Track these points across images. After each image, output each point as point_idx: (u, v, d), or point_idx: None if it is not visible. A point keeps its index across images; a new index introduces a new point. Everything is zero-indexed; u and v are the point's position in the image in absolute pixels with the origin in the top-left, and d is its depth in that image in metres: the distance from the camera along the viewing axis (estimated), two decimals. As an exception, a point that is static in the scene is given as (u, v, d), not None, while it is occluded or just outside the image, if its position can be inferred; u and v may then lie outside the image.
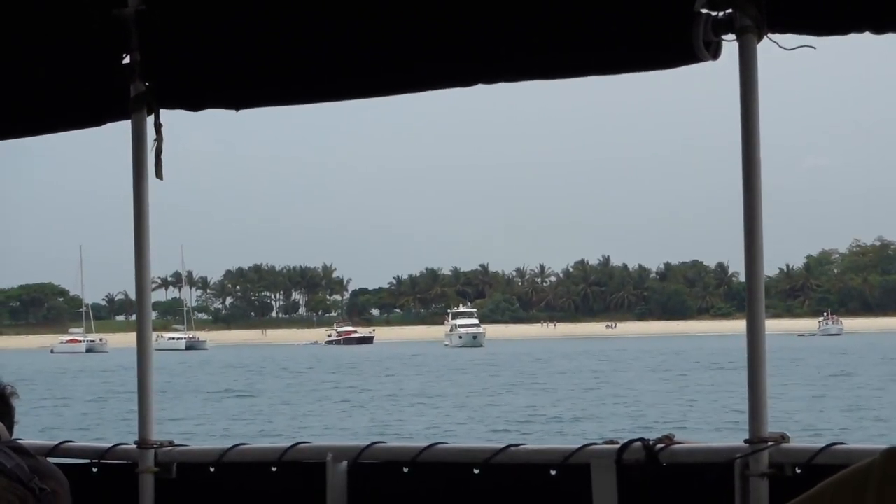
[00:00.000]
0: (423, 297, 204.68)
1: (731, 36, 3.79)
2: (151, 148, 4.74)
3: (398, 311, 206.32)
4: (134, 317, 5.07)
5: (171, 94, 4.69)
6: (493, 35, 4.04)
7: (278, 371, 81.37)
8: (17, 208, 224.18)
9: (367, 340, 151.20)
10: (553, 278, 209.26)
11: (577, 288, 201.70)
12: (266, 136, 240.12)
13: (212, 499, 4.80)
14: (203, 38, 4.55)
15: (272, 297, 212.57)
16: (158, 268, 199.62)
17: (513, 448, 4.31)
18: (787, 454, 3.87)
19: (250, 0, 4.49)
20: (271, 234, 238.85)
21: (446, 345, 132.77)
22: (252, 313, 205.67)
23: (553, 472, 4.20)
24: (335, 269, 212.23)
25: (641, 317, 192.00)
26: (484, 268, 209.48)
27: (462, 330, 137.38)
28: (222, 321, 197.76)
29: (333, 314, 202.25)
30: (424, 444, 4.44)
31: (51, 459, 4.35)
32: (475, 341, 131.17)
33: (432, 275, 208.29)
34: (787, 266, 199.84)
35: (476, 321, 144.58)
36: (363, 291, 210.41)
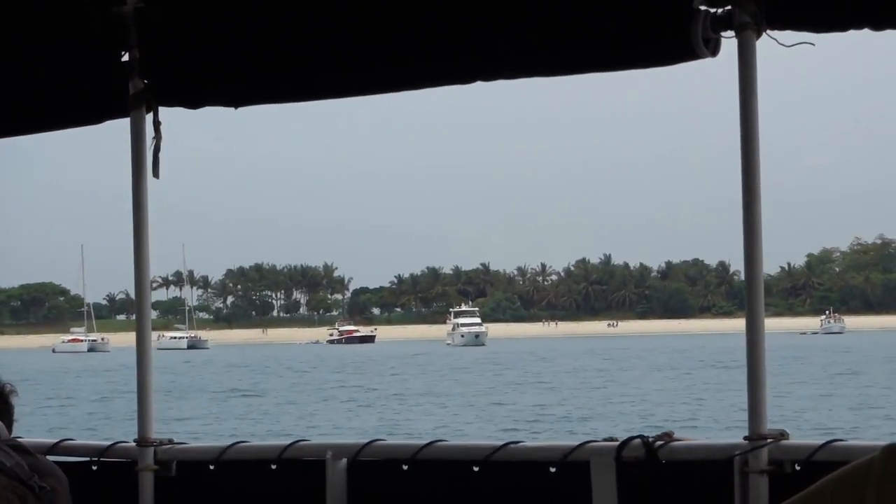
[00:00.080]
0: (424, 296, 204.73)
1: (730, 33, 3.79)
2: (150, 146, 4.74)
3: (398, 310, 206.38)
4: (135, 316, 5.07)
5: (170, 92, 4.69)
6: (492, 32, 4.04)
7: (282, 370, 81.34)
8: (18, 208, 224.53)
9: (369, 339, 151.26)
10: (554, 277, 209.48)
11: (579, 286, 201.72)
12: (267, 135, 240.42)
13: (211, 497, 4.80)
14: (202, 36, 4.55)
15: (273, 296, 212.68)
16: (159, 267, 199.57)
17: (512, 445, 4.31)
18: (786, 451, 3.86)
19: None
20: (272, 234, 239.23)
21: (448, 344, 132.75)
22: (253, 312, 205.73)
23: (553, 470, 4.20)
24: (336, 269, 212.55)
25: (643, 315, 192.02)
26: (485, 267, 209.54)
27: (464, 329, 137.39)
28: (223, 320, 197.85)
29: (334, 313, 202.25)
30: (424, 441, 4.44)
31: (50, 457, 4.35)
32: (477, 340, 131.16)
33: (433, 274, 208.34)
34: (789, 264, 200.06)
35: (478, 320, 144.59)
36: (364, 290, 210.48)
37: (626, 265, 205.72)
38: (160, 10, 4.62)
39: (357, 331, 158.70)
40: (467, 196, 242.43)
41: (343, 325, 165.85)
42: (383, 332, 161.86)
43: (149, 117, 4.73)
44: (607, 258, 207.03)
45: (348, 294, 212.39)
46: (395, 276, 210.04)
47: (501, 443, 4.31)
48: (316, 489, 4.52)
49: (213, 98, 4.65)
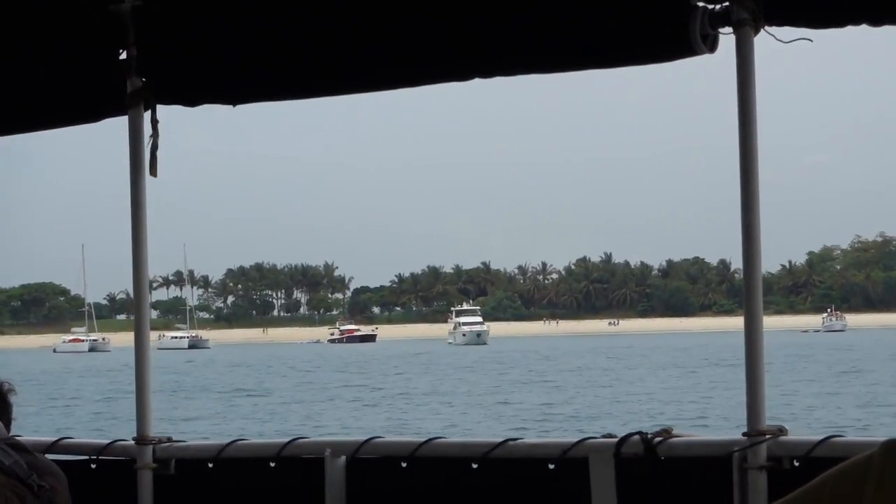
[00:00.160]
0: (424, 295, 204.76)
1: (728, 29, 3.79)
2: (148, 144, 4.74)
3: (398, 309, 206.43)
4: (133, 314, 5.07)
5: (167, 90, 4.68)
6: (490, 30, 4.04)
7: (286, 370, 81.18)
8: (18, 208, 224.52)
9: (370, 339, 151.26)
10: (555, 275, 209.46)
11: (580, 285, 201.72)
12: (267, 135, 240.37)
13: (210, 495, 4.80)
14: (200, 34, 4.55)
15: (274, 295, 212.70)
16: (160, 267, 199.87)
17: (511, 442, 4.31)
18: (785, 447, 3.86)
19: None
20: (272, 233, 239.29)
21: (450, 343, 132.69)
22: (253, 312, 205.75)
23: (551, 466, 4.19)
24: (337, 268, 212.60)
25: (644, 314, 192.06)
26: (486, 265, 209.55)
27: (466, 328, 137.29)
28: (224, 320, 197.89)
29: (335, 312, 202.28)
30: (422, 438, 4.44)
31: (49, 456, 4.35)
32: (479, 339, 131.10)
33: (434, 273, 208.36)
34: (790, 262, 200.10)
35: (480, 319, 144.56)
36: (365, 290, 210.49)
37: (627, 263, 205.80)
38: (158, 8, 4.62)
39: (358, 330, 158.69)
40: (468, 195, 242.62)
41: (344, 325, 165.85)
42: (384, 332, 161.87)
43: (147, 115, 4.74)
44: (608, 257, 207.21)
45: (349, 293, 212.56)
46: (396, 276, 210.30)
47: (500, 440, 4.31)
48: (315, 487, 4.51)
49: (211, 96, 4.64)
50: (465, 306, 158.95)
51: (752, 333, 3.85)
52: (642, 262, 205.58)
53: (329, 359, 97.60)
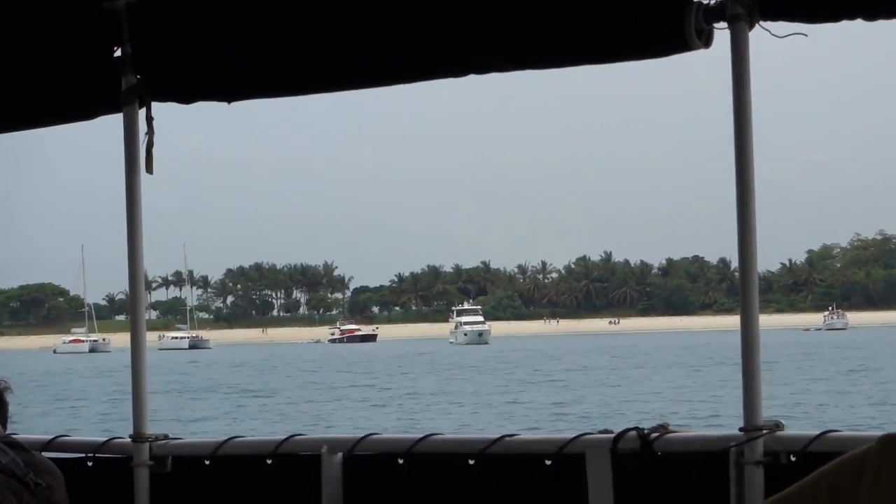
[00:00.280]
0: (424, 295, 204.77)
1: (723, 24, 3.79)
2: (143, 141, 4.73)
3: (397, 309, 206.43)
4: (129, 312, 5.06)
5: (162, 87, 4.67)
6: (484, 26, 4.03)
7: (290, 370, 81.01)
8: (17, 208, 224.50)
9: (371, 338, 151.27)
10: (555, 275, 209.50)
11: (580, 284, 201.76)
12: (266, 135, 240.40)
13: (207, 492, 4.79)
14: (194, 31, 4.54)
15: (273, 295, 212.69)
16: (159, 267, 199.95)
17: (508, 438, 4.30)
18: (781, 442, 3.86)
19: None
20: (272, 233, 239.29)
21: (451, 342, 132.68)
22: (253, 312, 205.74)
23: (548, 462, 4.19)
24: (336, 267, 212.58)
25: (644, 312, 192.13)
26: (485, 265, 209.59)
27: (467, 327, 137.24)
28: (223, 320, 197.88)
29: (335, 312, 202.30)
30: (419, 435, 4.43)
31: (46, 454, 4.35)
32: (481, 338, 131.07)
33: (434, 272, 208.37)
34: (790, 261, 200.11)
35: (481, 318, 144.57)
36: (364, 289, 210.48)
37: (627, 262, 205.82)
38: (152, 5, 4.62)
39: (359, 329, 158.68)
40: (467, 194, 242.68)
41: (344, 324, 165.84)
42: (384, 331, 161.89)
43: (141, 113, 4.73)
44: (608, 255, 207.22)
45: (348, 293, 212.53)
46: (396, 275, 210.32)
47: (497, 436, 4.31)
48: (312, 483, 4.51)
49: (206, 93, 4.63)
50: (466, 305, 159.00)
51: (748, 329, 3.85)
52: (642, 261, 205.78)
53: (332, 358, 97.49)
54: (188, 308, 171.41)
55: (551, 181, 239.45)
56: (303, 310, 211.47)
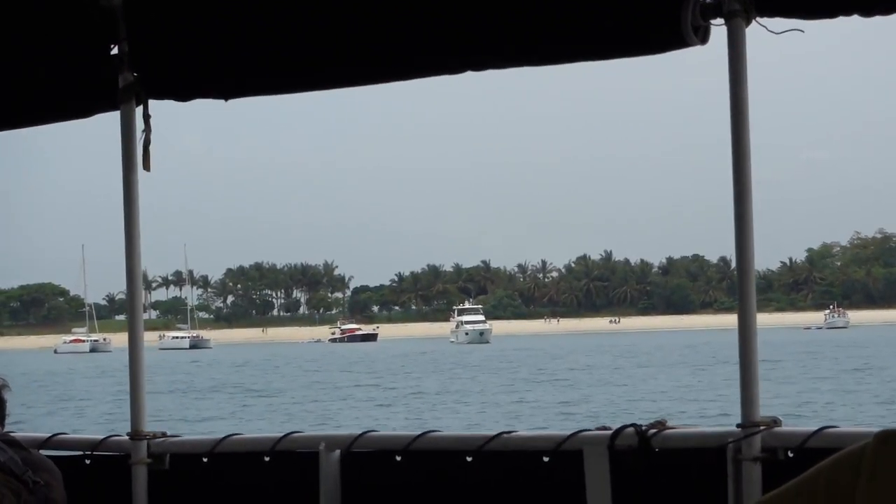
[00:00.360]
0: (424, 294, 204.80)
1: (720, 20, 3.78)
2: (140, 139, 4.73)
3: (397, 308, 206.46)
4: (126, 310, 5.06)
5: (159, 85, 4.67)
6: (481, 23, 4.03)
7: (293, 369, 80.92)
8: (17, 208, 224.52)
9: (371, 338, 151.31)
10: (555, 274, 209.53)
11: (580, 283, 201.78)
12: (266, 135, 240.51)
13: (205, 489, 4.78)
14: (191, 29, 4.54)
15: (273, 295, 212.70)
16: (159, 267, 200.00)
17: (505, 435, 4.30)
18: (779, 438, 3.86)
19: None
20: (272, 233, 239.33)
21: (452, 341, 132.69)
22: (253, 312, 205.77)
23: (546, 459, 4.19)
24: (336, 267, 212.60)
25: (644, 311, 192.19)
26: (486, 264, 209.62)
27: (469, 326, 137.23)
28: (224, 320, 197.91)
29: (335, 312, 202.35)
30: (417, 432, 4.43)
31: (43, 452, 4.35)
32: (482, 338, 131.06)
33: (434, 271, 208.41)
34: (790, 259, 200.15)
35: (482, 317, 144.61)
36: (365, 289, 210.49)
37: (627, 261, 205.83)
38: (149, 2, 4.62)
39: (359, 329, 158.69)
40: (467, 194, 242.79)
41: (345, 324, 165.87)
42: (385, 331, 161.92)
43: (139, 110, 4.72)
44: (608, 254, 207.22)
45: (349, 292, 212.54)
46: (396, 275, 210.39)
47: (494, 433, 4.30)
48: (309, 481, 4.51)
49: (203, 91, 4.62)
50: (467, 305, 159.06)
51: (745, 325, 3.85)
52: (642, 260, 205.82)
53: (334, 358, 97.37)
54: (189, 308, 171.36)
55: (551, 181, 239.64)
56: (303, 309, 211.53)
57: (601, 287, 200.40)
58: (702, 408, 43.96)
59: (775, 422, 3.87)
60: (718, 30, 3.83)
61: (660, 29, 3.78)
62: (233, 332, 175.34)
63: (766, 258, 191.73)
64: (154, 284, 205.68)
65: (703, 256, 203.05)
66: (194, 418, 43.11)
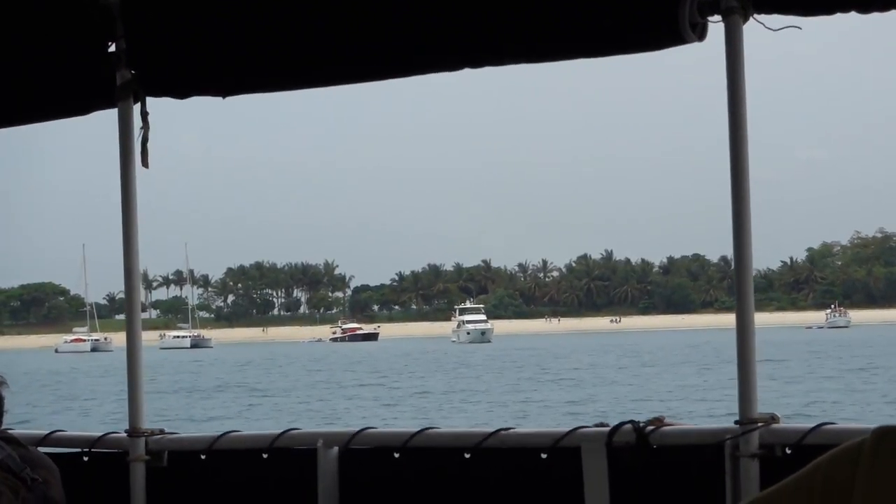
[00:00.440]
0: (425, 294, 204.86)
1: (717, 17, 3.78)
2: (138, 137, 4.72)
3: (397, 307, 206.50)
4: (124, 308, 5.05)
5: (157, 82, 4.66)
6: (479, 20, 4.02)
7: (296, 369, 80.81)
8: (17, 208, 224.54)
9: (372, 337, 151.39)
10: (556, 273, 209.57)
11: (580, 283, 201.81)
12: (266, 135, 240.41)
13: (203, 486, 4.78)
14: (189, 26, 4.53)
15: (274, 294, 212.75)
16: (160, 266, 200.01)
17: (503, 432, 4.29)
18: (777, 435, 3.85)
19: None
20: (272, 232, 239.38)
21: (453, 341, 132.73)
22: (254, 311, 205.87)
23: (544, 456, 4.18)
24: (337, 266, 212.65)
25: (645, 311, 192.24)
26: (486, 263, 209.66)
27: (470, 326, 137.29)
28: (224, 319, 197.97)
29: (335, 311, 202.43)
30: (415, 429, 4.43)
31: (41, 449, 4.35)
32: (483, 337, 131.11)
33: (435, 271, 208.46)
34: (791, 259, 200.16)
35: (483, 317, 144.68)
36: (365, 288, 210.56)
37: (628, 261, 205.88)
38: (147, 0, 4.61)
39: (360, 328, 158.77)
40: (467, 194, 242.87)
41: (346, 323, 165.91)
42: (385, 330, 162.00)
43: (136, 108, 4.71)
44: (609, 254, 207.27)
45: (349, 292, 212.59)
46: (397, 274, 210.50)
47: (492, 429, 4.30)
48: (307, 478, 4.50)
49: (201, 88, 4.61)
50: (469, 304, 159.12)
51: (743, 322, 3.84)
52: (643, 260, 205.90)
53: (336, 357, 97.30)
54: (189, 307, 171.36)
55: (551, 180, 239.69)
56: (303, 309, 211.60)
57: (602, 286, 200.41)
58: (710, 407, 43.84)
59: (773, 418, 3.87)
60: (716, 27, 3.82)
61: (657, 26, 3.77)
62: (233, 332, 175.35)
63: (766, 258, 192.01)
64: (154, 284, 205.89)
65: (703, 256, 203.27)
66: (201, 418, 43.00)
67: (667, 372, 65.50)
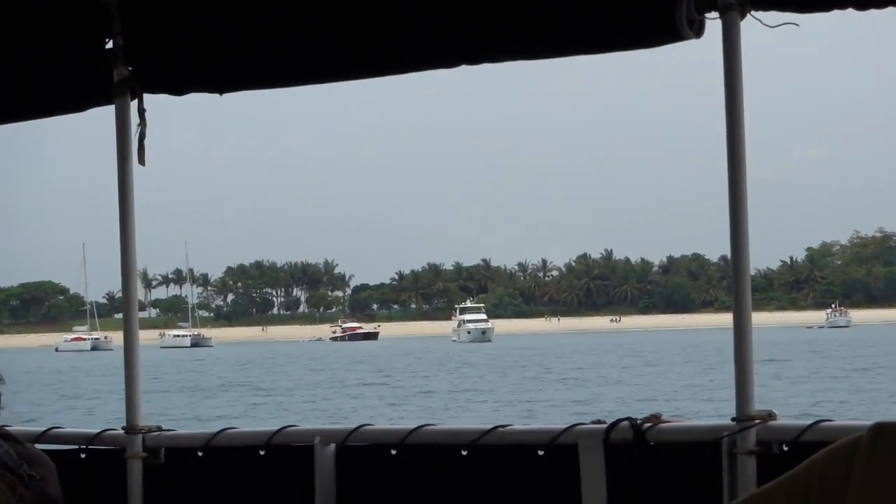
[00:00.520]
0: (425, 293, 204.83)
1: (715, 14, 3.78)
2: (135, 133, 4.72)
3: (396, 307, 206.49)
4: (122, 307, 5.06)
5: (154, 79, 4.65)
6: (476, 15, 4.02)
7: (298, 368, 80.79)
8: (17, 208, 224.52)
9: (372, 336, 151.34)
10: (555, 272, 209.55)
11: (580, 282, 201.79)
12: (266, 135, 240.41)
13: (200, 483, 4.77)
14: (186, 22, 4.52)
15: (273, 293, 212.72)
16: (159, 265, 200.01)
17: (500, 429, 4.29)
18: (774, 432, 3.85)
19: None
20: (272, 231, 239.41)
21: (454, 340, 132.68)
22: (253, 310, 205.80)
23: (541, 453, 4.17)
24: (336, 265, 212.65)
25: (645, 310, 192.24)
26: (486, 263, 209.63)
27: (471, 325, 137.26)
28: (224, 318, 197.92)
29: (335, 310, 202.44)
30: (412, 426, 4.43)
31: (38, 446, 4.34)
32: (484, 336, 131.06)
33: (434, 270, 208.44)
34: (791, 258, 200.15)
35: (484, 316, 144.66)
36: (365, 287, 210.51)
37: (628, 260, 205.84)
38: None
39: (360, 327, 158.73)
40: (467, 193, 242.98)
41: (346, 322, 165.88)
42: (385, 329, 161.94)
43: (133, 104, 4.71)
44: (608, 253, 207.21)
45: (349, 291, 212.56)
46: (397, 273, 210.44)
47: (490, 426, 4.30)
48: (304, 474, 4.50)
49: (199, 85, 4.61)
50: (469, 304, 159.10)
51: (740, 319, 3.84)
52: (643, 259, 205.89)
53: (337, 357, 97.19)
54: (189, 306, 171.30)
55: (551, 180, 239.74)
56: (303, 308, 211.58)
57: (602, 286, 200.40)
58: (717, 407, 43.69)
59: (770, 415, 3.87)
60: (715, 25, 3.82)
61: (654, 22, 3.77)
62: (233, 331, 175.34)
63: (766, 257, 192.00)
64: (154, 283, 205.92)
65: (703, 255, 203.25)
66: (207, 417, 42.97)
67: (671, 371, 65.44)
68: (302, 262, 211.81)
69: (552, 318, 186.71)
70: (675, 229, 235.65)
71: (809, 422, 3.82)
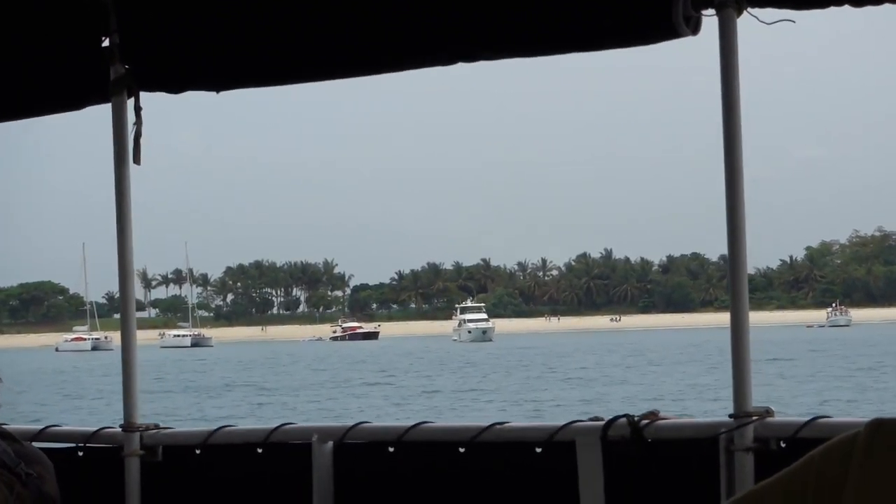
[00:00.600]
0: (424, 293, 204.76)
1: (711, 11, 3.77)
2: (132, 132, 4.71)
3: (396, 306, 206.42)
4: (119, 306, 5.05)
5: (151, 77, 4.65)
6: (473, 13, 4.02)
7: (300, 368, 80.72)
8: (16, 208, 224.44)
9: (373, 336, 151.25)
10: (555, 272, 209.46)
11: (580, 281, 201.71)
12: (265, 135, 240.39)
13: (198, 481, 4.77)
14: (183, 20, 4.52)
15: (273, 293, 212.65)
16: (159, 265, 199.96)
17: (498, 426, 4.29)
18: (771, 428, 3.85)
19: None
20: (272, 231, 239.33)
21: (454, 339, 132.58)
22: (253, 310, 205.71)
23: (538, 450, 4.18)
24: (336, 265, 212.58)
25: (645, 310, 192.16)
26: (486, 262, 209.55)
27: (471, 325, 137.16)
28: (224, 318, 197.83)
29: (334, 310, 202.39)
30: (409, 423, 4.43)
31: (36, 444, 4.34)
32: (484, 336, 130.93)
33: (434, 270, 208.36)
34: (791, 258, 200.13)
35: (485, 316, 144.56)
36: (364, 287, 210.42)
37: (628, 260, 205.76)
38: None
39: (360, 327, 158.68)
40: (466, 193, 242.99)
41: (346, 322, 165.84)
42: (385, 329, 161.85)
43: (130, 103, 4.70)
44: (608, 253, 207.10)
45: (348, 291, 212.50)
46: (396, 273, 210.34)
47: (487, 424, 4.30)
48: (302, 472, 4.50)
49: (196, 83, 4.60)
50: (469, 303, 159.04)
51: (737, 316, 3.85)
52: (643, 258, 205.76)
53: (339, 356, 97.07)
54: (189, 306, 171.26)
55: (551, 180, 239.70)
56: (303, 307, 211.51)
57: (601, 285, 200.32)
58: (725, 406, 43.47)
59: (768, 412, 3.87)
60: (712, 22, 3.82)
61: (651, 19, 3.77)
62: (233, 331, 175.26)
63: (765, 256, 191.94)
64: (154, 283, 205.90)
65: (703, 255, 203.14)
66: (213, 417, 42.92)
67: (675, 370, 65.35)
68: (301, 262, 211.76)
69: (552, 318, 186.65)
70: (675, 229, 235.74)
71: (807, 418, 3.82)
